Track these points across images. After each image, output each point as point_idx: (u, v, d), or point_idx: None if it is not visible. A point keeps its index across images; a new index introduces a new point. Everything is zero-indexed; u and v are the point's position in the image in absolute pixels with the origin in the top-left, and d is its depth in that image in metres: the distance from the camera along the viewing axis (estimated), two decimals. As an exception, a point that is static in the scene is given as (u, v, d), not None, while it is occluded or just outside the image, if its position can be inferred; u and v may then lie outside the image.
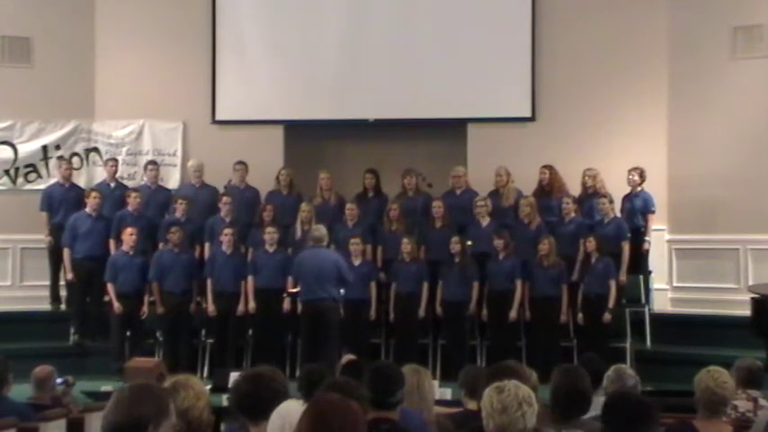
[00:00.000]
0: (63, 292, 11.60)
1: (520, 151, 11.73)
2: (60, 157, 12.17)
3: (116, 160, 12.03)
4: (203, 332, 10.86)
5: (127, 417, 2.94)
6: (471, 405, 5.16)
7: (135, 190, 11.45)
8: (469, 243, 10.71)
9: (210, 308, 10.72)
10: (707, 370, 4.79)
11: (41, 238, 11.60)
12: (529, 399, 3.62)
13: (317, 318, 10.02)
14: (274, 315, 10.58)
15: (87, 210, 11.18)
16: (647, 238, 11.12)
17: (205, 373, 10.41)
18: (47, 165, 12.30)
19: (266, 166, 11.80)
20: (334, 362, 9.11)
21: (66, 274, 11.23)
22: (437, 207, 10.96)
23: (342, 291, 10.14)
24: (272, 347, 10.40)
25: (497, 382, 3.68)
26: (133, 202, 11.20)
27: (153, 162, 11.96)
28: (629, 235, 10.80)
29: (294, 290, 10.41)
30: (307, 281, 10.08)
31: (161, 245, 11.03)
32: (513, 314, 10.45)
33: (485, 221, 10.94)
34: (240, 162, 11.69)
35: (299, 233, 10.96)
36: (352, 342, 10.11)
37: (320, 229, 10.29)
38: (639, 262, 11.06)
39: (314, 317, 10.04)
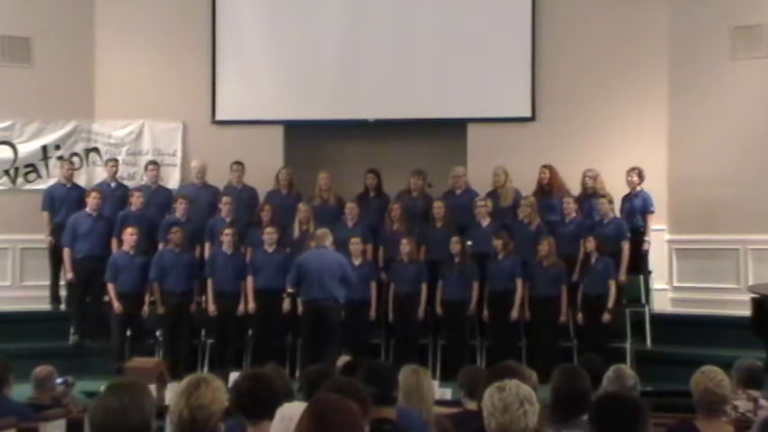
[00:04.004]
0: (63, 292, 11.60)
1: (520, 151, 11.73)
2: (61, 158, 12.18)
3: (116, 160, 12.03)
4: (203, 332, 10.86)
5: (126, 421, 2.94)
6: (471, 405, 5.16)
7: (138, 190, 11.46)
8: (469, 243, 10.71)
9: (211, 308, 10.72)
10: (701, 371, 4.79)
11: (41, 238, 11.60)
12: (530, 397, 3.62)
13: (319, 318, 10.00)
14: (274, 315, 10.58)
15: (87, 210, 11.18)
16: (646, 239, 11.12)
17: (204, 374, 10.38)
18: (47, 165, 12.30)
19: (266, 166, 11.80)
20: (335, 362, 9.14)
21: (66, 274, 11.24)
22: (437, 207, 10.96)
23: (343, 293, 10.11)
24: (272, 347, 10.38)
25: (498, 382, 3.68)
26: (136, 201, 11.21)
27: (153, 162, 11.97)
28: (628, 235, 10.79)
29: (291, 290, 10.40)
30: (310, 281, 10.03)
31: (161, 245, 11.03)
32: (514, 314, 10.45)
33: (485, 222, 10.94)
34: (237, 162, 11.69)
35: (296, 233, 10.96)
36: (352, 342, 10.12)
37: (322, 231, 10.25)
38: (639, 262, 11.05)
39: (315, 317, 10.02)
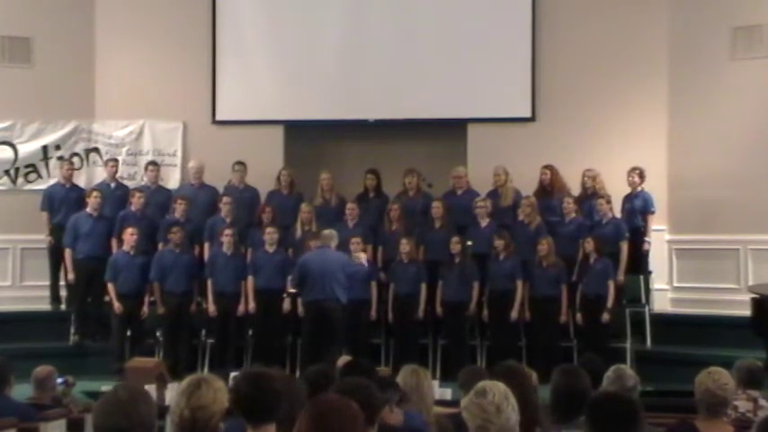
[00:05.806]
0: (63, 292, 11.60)
1: (520, 151, 11.73)
2: (61, 158, 12.18)
3: (116, 160, 12.03)
4: (203, 332, 10.86)
5: (127, 420, 2.93)
6: (471, 405, 5.15)
7: (139, 190, 11.46)
8: (469, 243, 10.71)
9: (211, 308, 10.72)
10: (707, 372, 4.78)
11: (41, 238, 11.60)
12: (508, 391, 3.66)
13: (322, 318, 9.99)
14: (274, 315, 10.58)
15: (88, 210, 11.19)
16: (646, 239, 11.12)
17: (205, 374, 10.38)
18: (47, 165, 12.30)
19: (266, 166, 11.80)
20: (335, 363, 9.14)
21: (68, 275, 11.23)
22: (436, 207, 10.96)
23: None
24: (272, 348, 10.40)
25: (474, 390, 3.68)
26: (137, 202, 11.21)
27: (153, 162, 11.97)
28: (627, 235, 10.79)
29: (293, 290, 10.39)
30: (312, 281, 10.00)
31: (161, 245, 11.03)
32: (514, 314, 10.45)
33: (484, 222, 10.94)
34: (239, 162, 11.69)
35: (298, 233, 10.96)
36: (352, 342, 10.12)
37: (329, 232, 10.22)
38: (639, 262, 11.06)
39: (318, 317, 10.01)
